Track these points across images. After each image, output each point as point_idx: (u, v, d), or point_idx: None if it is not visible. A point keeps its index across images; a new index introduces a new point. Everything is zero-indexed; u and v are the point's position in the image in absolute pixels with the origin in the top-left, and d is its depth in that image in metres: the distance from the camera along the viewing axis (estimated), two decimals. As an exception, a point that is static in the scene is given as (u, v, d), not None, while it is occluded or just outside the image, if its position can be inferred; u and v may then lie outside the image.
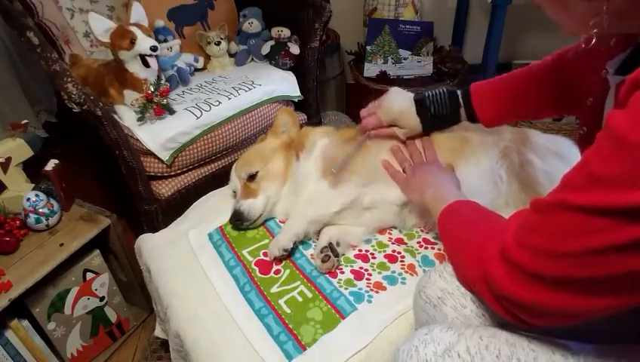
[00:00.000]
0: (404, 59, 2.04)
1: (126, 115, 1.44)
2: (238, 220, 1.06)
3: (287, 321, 0.87)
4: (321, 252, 0.96)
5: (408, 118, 1.01)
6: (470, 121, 0.99)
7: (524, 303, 0.53)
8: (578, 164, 0.47)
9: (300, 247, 1.02)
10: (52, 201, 1.24)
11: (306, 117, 1.83)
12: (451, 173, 0.96)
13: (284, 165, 1.09)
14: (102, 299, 1.33)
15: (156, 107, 1.41)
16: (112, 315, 1.38)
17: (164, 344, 1.26)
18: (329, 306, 0.88)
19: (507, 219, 0.62)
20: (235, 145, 1.59)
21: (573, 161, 0.49)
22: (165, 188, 1.47)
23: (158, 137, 1.39)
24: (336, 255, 0.96)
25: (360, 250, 1.01)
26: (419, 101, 1.01)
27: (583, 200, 0.45)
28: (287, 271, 0.97)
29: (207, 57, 1.80)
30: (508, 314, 0.57)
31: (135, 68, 1.41)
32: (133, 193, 1.42)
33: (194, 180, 1.54)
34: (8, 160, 1.23)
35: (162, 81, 1.48)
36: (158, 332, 1.19)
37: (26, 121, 1.30)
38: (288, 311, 0.89)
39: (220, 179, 1.43)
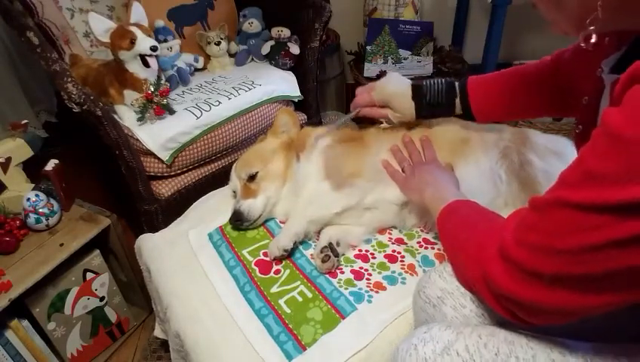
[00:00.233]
0: (404, 59, 2.04)
1: (126, 115, 1.44)
2: (238, 220, 1.06)
3: (287, 321, 0.87)
4: (321, 252, 0.96)
5: (402, 101, 1.01)
6: (464, 114, 0.99)
7: (522, 301, 0.53)
8: (574, 161, 0.48)
9: (300, 247, 1.02)
10: (52, 201, 1.24)
11: (306, 117, 1.83)
12: (450, 172, 0.96)
13: (284, 165, 1.09)
14: (102, 299, 1.33)
15: (156, 107, 1.41)
16: (112, 315, 1.38)
17: (164, 344, 1.26)
18: (329, 306, 0.88)
19: (506, 218, 0.62)
20: (235, 145, 1.59)
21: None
22: (165, 188, 1.47)
23: (158, 137, 1.39)
24: (336, 255, 0.96)
25: (360, 250, 1.01)
26: (416, 87, 1.01)
27: (579, 198, 0.45)
28: (287, 271, 0.97)
29: (207, 57, 1.80)
30: (507, 313, 0.57)
31: (135, 68, 1.41)
32: (133, 193, 1.42)
33: (194, 180, 1.54)
34: (8, 160, 1.23)
35: (162, 81, 1.48)
36: (158, 333, 1.19)
37: (26, 121, 1.30)
38: (288, 311, 0.89)
39: (219, 179, 1.43)
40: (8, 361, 1.14)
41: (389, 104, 1.03)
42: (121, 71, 1.42)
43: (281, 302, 0.91)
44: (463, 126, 1.04)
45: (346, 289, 0.91)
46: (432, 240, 1.02)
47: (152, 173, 1.44)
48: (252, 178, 1.08)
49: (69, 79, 1.23)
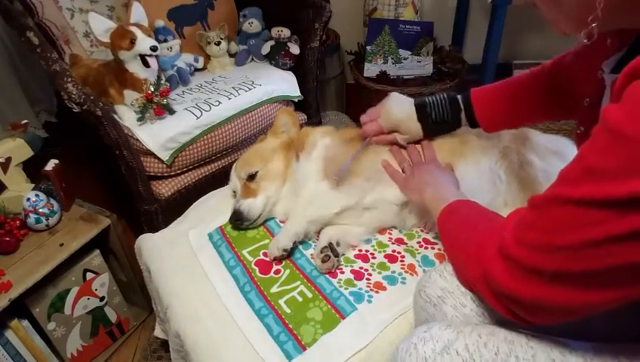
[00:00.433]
0: (404, 59, 2.04)
1: (126, 115, 1.44)
2: (238, 220, 1.06)
3: (287, 321, 0.87)
4: (321, 252, 0.96)
5: (409, 124, 1.01)
6: (471, 126, 1.00)
7: (523, 299, 0.53)
8: (574, 158, 0.48)
9: (300, 247, 1.02)
10: (52, 201, 1.24)
11: (306, 117, 1.83)
12: (450, 172, 0.96)
13: (284, 165, 1.09)
14: (102, 299, 1.33)
15: (156, 107, 1.41)
16: (112, 315, 1.38)
17: (164, 344, 1.26)
18: (329, 306, 0.88)
19: (505, 217, 0.62)
20: (235, 145, 1.59)
21: None
22: (165, 188, 1.47)
23: (158, 137, 1.39)
24: (336, 255, 0.96)
25: (360, 250, 1.01)
26: (419, 106, 1.01)
27: (580, 193, 0.45)
28: (287, 271, 0.97)
29: (207, 57, 1.80)
30: (508, 312, 0.57)
31: (135, 68, 1.41)
32: (133, 193, 1.42)
33: (194, 180, 1.54)
34: (8, 160, 1.23)
35: (162, 81, 1.48)
36: (158, 333, 1.19)
37: (26, 121, 1.30)
38: (288, 311, 0.89)
39: (219, 179, 1.43)
40: (8, 361, 1.14)
41: (398, 129, 1.03)
42: (121, 71, 1.42)
43: (281, 302, 0.91)
44: (462, 128, 1.04)
45: (346, 289, 0.91)
46: (432, 240, 1.02)
47: (152, 173, 1.44)
48: (252, 177, 1.08)
49: (69, 79, 1.23)
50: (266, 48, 1.78)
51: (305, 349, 0.82)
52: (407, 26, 2.00)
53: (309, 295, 0.91)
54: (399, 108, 1.02)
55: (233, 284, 0.96)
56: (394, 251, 1.00)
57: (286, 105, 1.73)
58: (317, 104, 1.86)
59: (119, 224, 1.32)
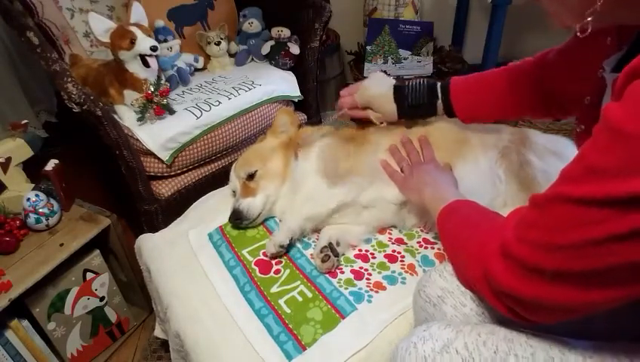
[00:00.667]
0: (404, 59, 2.04)
1: (126, 115, 1.44)
2: (238, 219, 1.06)
3: (287, 321, 0.87)
4: (321, 251, 0.96)
5: (384, 103, 1.03)
6: (447, 114, 1.00)
7: (524, 298, 0.53)
8: (575, 157, 0.48)
9: (300, 247, 1.02)
10: (52, 201, 1.24)
11: (306, 117, 1.83)
12: (449, 172, 0.96)
13: (283, 164, 1.09)
14: (102, 299, 1.33)
15: (156, 107, 1.41)
16: (112, 315, 1.38)
17: (164, 344, 1.26)
18: (329, 306, 0.88)
19: (506, 216, 0.62)
20: (235, 145, 1.59)
21: None
22: (165, 188, 1.47)
23: (158, 137, 1.39)
24: (336, 255, 0.96)
25: (360, 250, 1.01)
26: (397, 88, 1.02)
27: (581, 192, 0.45)
28: (287, 271, 0.97)
29: (207, 57, 1.80)
30: (509, 311, 0.57)
31: (135, 68, 1.42)
32: (133, 193, 1.42)
33: (194, 180, 1.54)
34: (8, 160, 1.23)
35: (162, 81, 1.48)
36: (158, 333, 1.19)
37: (26, 121, 1.30)
38: (288, 311, 0.89)
39: (219, 179, 1.43)
40: (8, 361, 1.14)
41: (371, 105, 1.05)
42: (121, 71, 1.42)
43: (281, 301, 0.91)
44: (461, 126, 1.04)
45: (346, 289, 0.91)
46: (432, 240, 1.02)
47: (152, 173, 1.44)
48: (251, 177, 1.08)
49: (69, 79, 1.23)
50: (266, 48, 1.78)
51: (305, 349, 0.82)
52: (407, 26, 2.00)
53: (309, 295, 0.91)
54: (377, 86, 1.05)
55: (233, 284, 0.96)
56: (394, 251, 1.00)
57: (286, 105, 1.73)
58: (317, 104, 1.86)
59: (119, 224, 1.32)
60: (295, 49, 1.74)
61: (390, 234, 1.05)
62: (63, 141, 1.86)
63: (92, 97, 1.27)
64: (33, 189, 1.22)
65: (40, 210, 1.20)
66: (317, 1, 1.70)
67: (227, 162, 1.61)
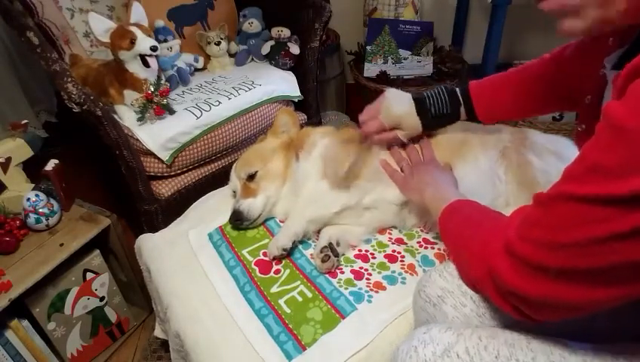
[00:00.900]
0: (404, 59, 2.04)
1: (126, 115, 1.44)
2: (238, 220, 1.06)
3: (287, 321, 0.87)
4: (321, 252, 0.96)
5: (410, 119, 1.00)
6: (469, 118, 0.99)
7: (529, 296, 0.53)
8: (578, 156, 0.48)
9: (300, 247, 1.02)
10: (52, 201, 1.24)
11: (306, 117, 1.83)
12: (449, 172, 0.96)
13: (284, 165, 1.09)
14: (102, 299, 1.33)
15: (156, 107, 1.41)
16: (112, 315, 1.38)
17: (164, 344, 1.26)
18: (329, 306, 0.88)
19: (510, 215, 0.62)
20: (235, 145, 1.59)
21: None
22: (165, 188, 1.47)
23: (158, 137, 1.39)
24: (336, 255, 0.96)
25: (360, 250, 1.01)
26: (418, 101, 1.00)
27: (584, 191, 0.45)
28: (287, 271, 0.97)
29: (207, 57, 1.80)
30: (513, 310, 0.57)
31: (135, 68, 1.41)
32: (133, 193, 1.42)
33: (194, 180, 1.54)
34: (8, 160, 1.23)
35: (162, 81, 1.48)
36: (158, 333, 1.19)
37: (26, 121, 1.30)
38: (288, 311, 0.89)
39: (219, 179, 1.43)
40: (8, 361, 1.14)
41: (400, 125, 1.01)
42: (121, 71, 1.42)
43: (281, 301, 0.91)
44: (461, 126, 1.04)
45: (346, 289, 0.91)
46: (432, 240, 1.02)
47: (152, 173, 1.44)
48: (251, 177, 1.08)
49: (69, 79, 1.23)
50: (266, 48, 1.78)
51: (305, 349, 0.82)
52: (407, 26, 2.00)
53: (309, 295, 0.91)
54: (399, 104, 1.01)
55: (233, 284, 0.96)
56: (394, 251, 1.00)
57: (286, 105, 1.73)
58: (317, 104, 1.86)
59: (119, 224, 1.32)
60: (295, 49, 1.73)
61: (390, 234, 1.05)
62: (63, 141, 1.86)
63: (92, 97, 1.27)
64: (33, 189, 1.22)
65: (40, 210, 1.20)
66: (317, 1, 1.70)
67: (227, 162, 1.61)
